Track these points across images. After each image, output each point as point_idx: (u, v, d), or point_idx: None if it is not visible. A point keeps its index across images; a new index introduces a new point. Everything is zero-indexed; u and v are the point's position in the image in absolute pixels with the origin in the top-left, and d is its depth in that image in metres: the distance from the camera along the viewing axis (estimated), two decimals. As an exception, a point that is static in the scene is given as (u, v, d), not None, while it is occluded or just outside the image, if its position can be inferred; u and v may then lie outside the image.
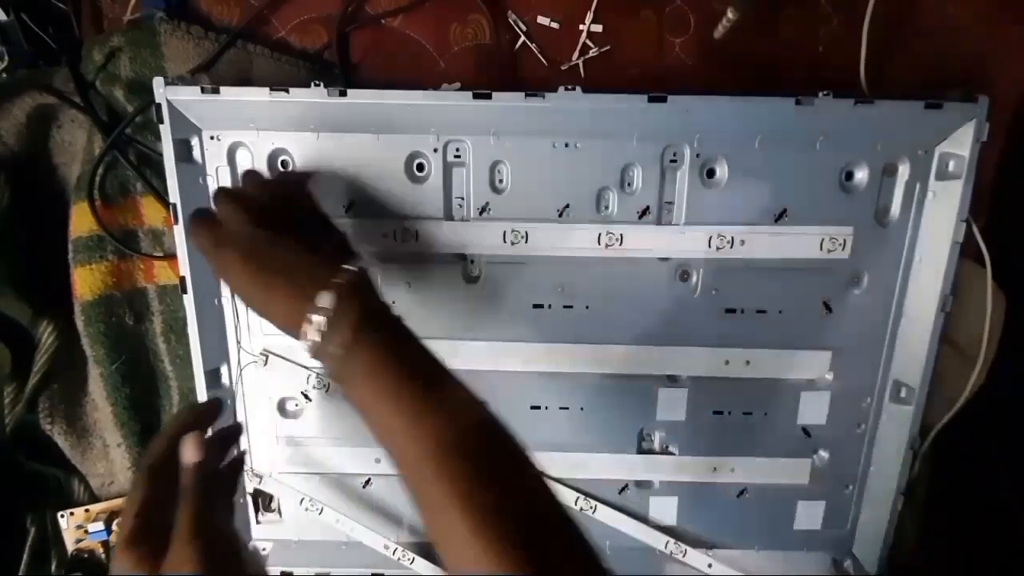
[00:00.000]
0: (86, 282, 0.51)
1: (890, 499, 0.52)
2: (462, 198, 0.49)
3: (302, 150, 0.48)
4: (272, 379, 0.53)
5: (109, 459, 0.55)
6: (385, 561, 0.54)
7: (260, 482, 0.54)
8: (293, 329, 0.35)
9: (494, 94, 0.44)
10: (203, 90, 0.44)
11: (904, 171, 0.48)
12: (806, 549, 0.56)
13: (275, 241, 0.37)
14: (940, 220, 0.48)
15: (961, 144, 0.46)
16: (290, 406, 0.54)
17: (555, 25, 0.51)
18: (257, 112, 0.46)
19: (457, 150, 0.48)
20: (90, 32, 0.52)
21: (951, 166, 0.47)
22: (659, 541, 0.54)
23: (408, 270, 0.50)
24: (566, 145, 0.48)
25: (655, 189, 0.48)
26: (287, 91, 0.44)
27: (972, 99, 0.45)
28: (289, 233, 0.38)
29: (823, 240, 0.49)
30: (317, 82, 0.44)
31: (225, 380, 0.52)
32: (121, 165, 0.51)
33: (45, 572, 0.55)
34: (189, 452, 0.36)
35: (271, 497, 0.55)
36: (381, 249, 0.49)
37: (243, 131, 0.48)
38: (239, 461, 0.43)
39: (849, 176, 0.49)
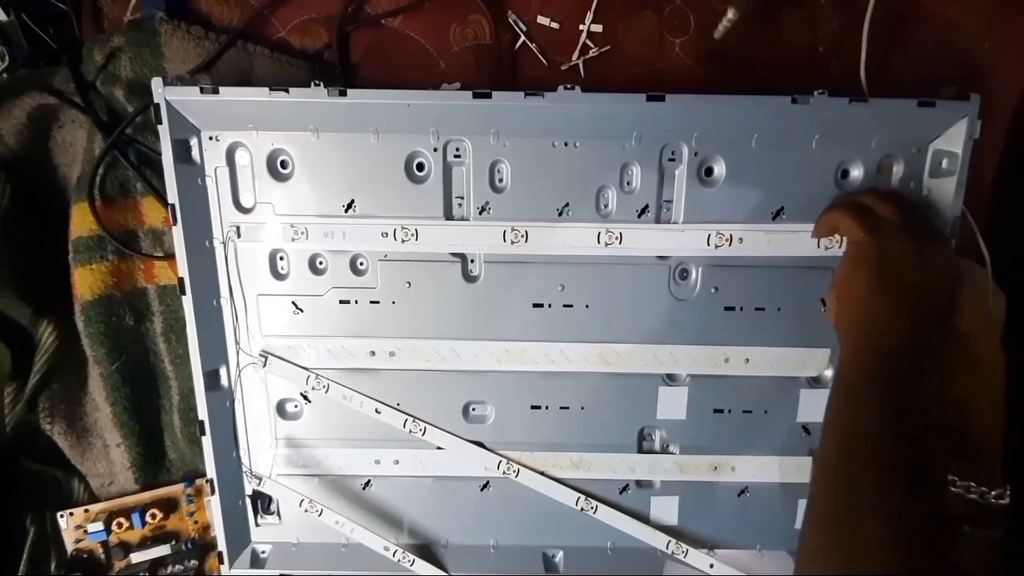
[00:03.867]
0: (86, 282, 0.51)
1: (891, 498, 0.51)
2: (462, 198, 0.49)
3: (302, 150, 0.48)
4: (271, 380, 0.53)
5: (109, 459, 0.55)
6: (385, 563, 0.53)
7: (259, 484, 0.54)
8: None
9: (494, 93, 0.44)
10: (202, 90, 0.44)
11: (898, 169, 0.48)
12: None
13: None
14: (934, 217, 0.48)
15: (954, 142, 0.46)
16: (289, 407, 0.54)
17: (555, 25, 0.51)
18: (256, 112, 0.46)
19: (457, 150, 0.48)
20: (90, 32, 0.52)
21: (944, 163, 0.47)
22: (660, 541, 0.54)
23: (408, 270, 0.50)
24: (566, 144, 0.48)
25: (654, 188, 0.49)
26: (287, 91, 0.44)
27: (964, 97, 0.45)
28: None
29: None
30: (317, 82, 0.44)
31: (224, 381, 0.52)
32: (121, 165, 0.51)
33: (45, 572, 0.54)
34: None
35: (270, 499, 0.55)
36: (381, 249, 0.49)
37: (242, 131, 0.48)
38: None
39: (845, 174, 0.49)
